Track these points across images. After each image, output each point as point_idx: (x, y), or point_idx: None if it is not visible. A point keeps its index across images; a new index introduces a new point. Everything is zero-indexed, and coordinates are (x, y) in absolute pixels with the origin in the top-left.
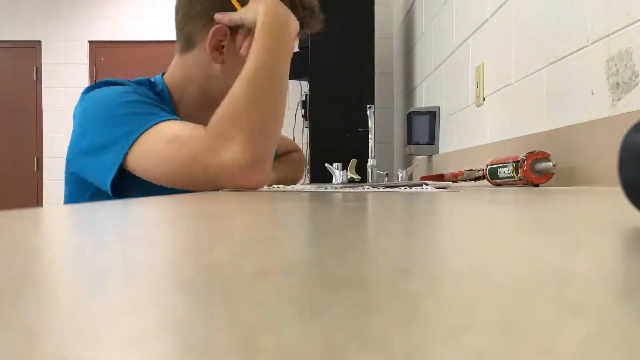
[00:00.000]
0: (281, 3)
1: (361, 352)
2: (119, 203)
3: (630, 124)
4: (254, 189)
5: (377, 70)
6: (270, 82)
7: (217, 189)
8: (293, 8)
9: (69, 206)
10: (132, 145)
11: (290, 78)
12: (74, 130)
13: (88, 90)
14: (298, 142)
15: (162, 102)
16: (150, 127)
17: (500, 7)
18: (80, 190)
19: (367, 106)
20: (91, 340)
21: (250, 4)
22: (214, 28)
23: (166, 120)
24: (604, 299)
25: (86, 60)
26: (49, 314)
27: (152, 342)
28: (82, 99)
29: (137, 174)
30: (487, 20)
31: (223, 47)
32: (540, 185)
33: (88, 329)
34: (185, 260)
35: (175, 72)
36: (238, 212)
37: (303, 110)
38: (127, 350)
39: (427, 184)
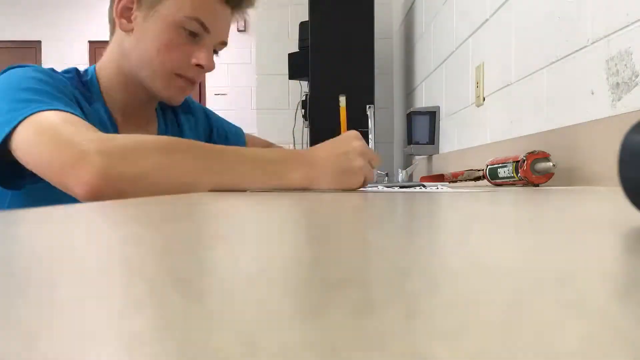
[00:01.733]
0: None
1: (361, 352)
2: (118, 203)
3: (630, 124)
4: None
5: (377, 70)
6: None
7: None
8: None
9: (69, 206)
10: (12, 129)
11: (290, 78)
12: None
13: (5, 70)
14: (298, 142)
15: (88, 90)
16: (31, 114)
17: (500, 7)
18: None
19: (367, 106)
20: (91, 340)
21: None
22: None
23: (54, 110)
24: (604, 299)
25: (86, 60)
26: (49, 314)
27: (152, 342)
28: None
29: (20, 160)
30: (487, 20)
31: (131, 15)
32: (540, 185)
33: (88, 329)
34: (185, 260)
35: (103, 59)
36: (238, 212)
37: (303, 110)
38: (127, 350)
39: (424, 186)
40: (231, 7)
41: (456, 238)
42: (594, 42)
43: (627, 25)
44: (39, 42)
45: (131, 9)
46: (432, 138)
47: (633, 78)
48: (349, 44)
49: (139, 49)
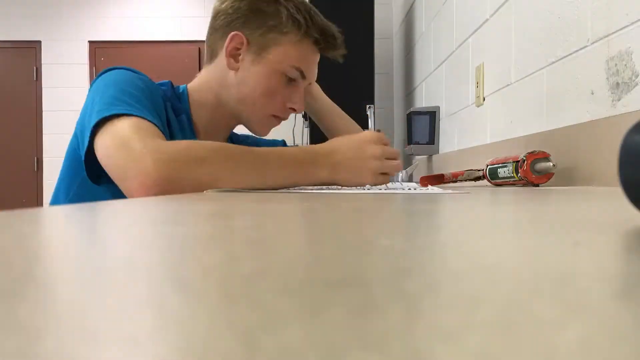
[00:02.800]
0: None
1: (361, 352)
2: (118, 203)
3: (630, 124)
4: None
5: (377, 70)
6: (263, 178)
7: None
8: (316, 42)
9: (69, 206)
10: (103, 122)
11: None
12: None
13: (105, 71)
14: (298, 142)
15: (178, 101)
16: (125, 115)
17: (500, 7)
18: (75, 170)
19: (367, 106)
20: (91, 340)
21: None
22: (232, 34)
23: (136, 116)
24: (604, 299)
25: (86, 60)
26: (49, 314)
27: (152, 342)
28: (97, 77)
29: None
30: (487, 20)
31: (239, 54)
32: (540, 185)
33: (88, 329)
34: (185, 260)
35: (198, 80)
36: (238, 212)
37: (303, 111)
38: (127, 350)
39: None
40: (320, 52)
41: (456, 238)
42: (594, 42)
43: (627, 25)
44: (39, 42)
45: (240, 49)
46: (432, 138)
47: (633, 78)
48: (349, 44)
49: (242, 88)
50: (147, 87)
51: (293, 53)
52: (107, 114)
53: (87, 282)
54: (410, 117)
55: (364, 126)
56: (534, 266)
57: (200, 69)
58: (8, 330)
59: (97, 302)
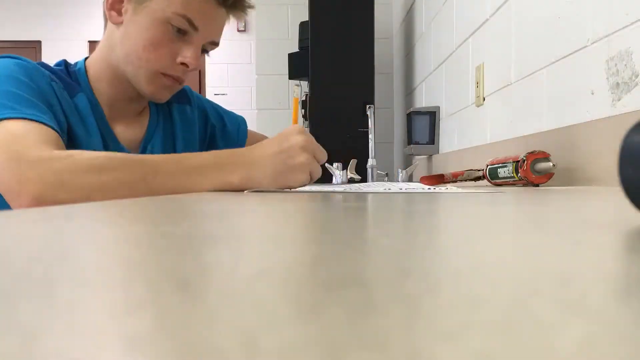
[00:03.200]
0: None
1: (361, 352)
2: (118, 203)
3: (630, 124)
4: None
5: (377, 70)
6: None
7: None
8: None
9: (69, 206)
10: None
11: (290, 78)
12: None
13: None
14: None
15: (74, 81)
16: (4, 119)
17: (500, 7)
18: None
19: (367, 106)
20: (91, 340)
21: None
22: None
23: (18, 118)
24: (604, 299)
25: None
26: (49, 314)
27: (152, 342)
28: None
29: None
30: (487, 20)
31: (122, 7)
32: (540, 185)
33: (88, 329)
34: (185, 260)
35: (94, 52)
36: (238, 212)
37: (303, 110)
38: (127, 350)
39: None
40: (226, 8)
41: (456, 238)
42: (594, 42)
43: (627, 25)
44: (39, 42)
45: (122, 1)
46: (432, 138)
47: (633, 78)
48: (349, 44)
49: (125, 43)
50: (28, 76)
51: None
52: None
53: (87, 282)
54: (410, 117)
55: (364, 126)
56: (534, 266)
57: (200, 69)
58: (8, 330)
59: (97, 302)
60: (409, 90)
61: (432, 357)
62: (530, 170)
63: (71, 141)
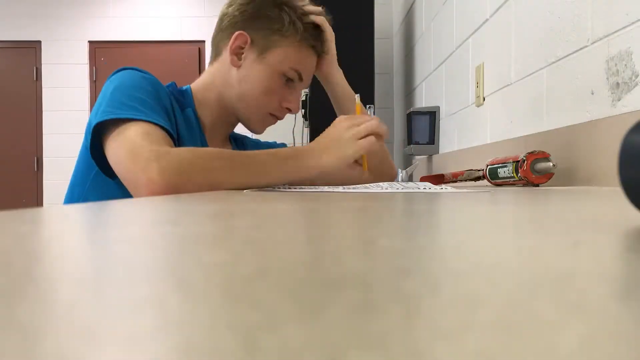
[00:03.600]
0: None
1: (361, 352)
2: (118, 203)
3: (630, 124)
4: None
5: (377, 70)
6: (258, 179)
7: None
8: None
9: (69, 206)
10: (112, 123)
11: None
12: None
13: (115, 72)
14: (298, 142)
15: (183, 97)
16: (134, 120)
17: (500, 7)
18: (87, 165)
19: (367, 106)
20: (91, 340)
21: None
22: (236, 33)
23: (144, 121)
24: (604, 299)
25: (86, 60)
26: (49, 314)
27: (152, 342)
28: (108, 78)
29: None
30: (487, 20)
31: (242, 53)
32: (540, 185)
33: (88, 329)
34: (186, 260)
35: (201, 79)
36: (238, 212)
37: (303, 110)
38: (127, 350)
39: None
40: (317, 56)
41: (456, 238)
42: (594, 42)
43: (627, 25)
44: (39, 42)
45: (243, 48)
46: (432, 138)
47: (633, 78)
48: (349, 44)
49: (243, 86)
50: (153, 87)
51: (293, 56)
52: (112, 116)
53: (87, 282)
54: (410, 117)
55: None
56: (534, 266)
57: (200, 69)
58: (8, 330)
59: (97, 302)
60: (409, 90)
61: (432, 357)
62: (530, 170)
63: (178, 146)
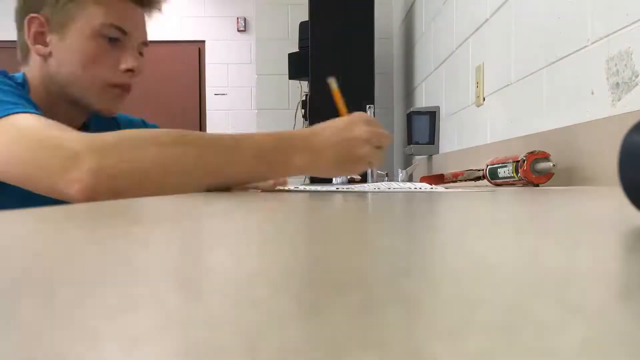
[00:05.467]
0: None
1: (361, 352)
2: (118, 203)
3: (630, 124)
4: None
5: (377, 70)
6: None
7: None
8: None
9: (69, 206)
10: None
11: (290, 78)
12: None
13: None
14: None
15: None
16: (7, 115)
17: (500, 7)
18: None
19: (367, 106)
20: (91, 340)
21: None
22: (26, 19)
23: (29, 113)
24: (604, 299)
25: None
26: (49, 314)
27: (152, 342)
28: None
29: None
30: (487, 20)
31: (45, 37)
32: (540, 185)
33: (88, 328)
34: (185, 260)
35: (28, 77)
36: (238, 212)
37: (303, 110)
38: (127, 350)
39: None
40: (141, 7)
41: (456, 238)
42: (594, 42)
43: (627, 25)
44: None
45: (44, 32)
46: (432, 138)
47: (633, 78)
48: (349, 44)
49: (63, 69)
50: (8, 83)
51: (98, 10)
52: None
53: (87, 282)
54: (410, 117)
55: None
56: (534, 266)
57: (200, 68)
58: (8, 330)
59: (97, 302)
60: (409, 90)
61: (432, 357)
62: (530, 170)
63: None
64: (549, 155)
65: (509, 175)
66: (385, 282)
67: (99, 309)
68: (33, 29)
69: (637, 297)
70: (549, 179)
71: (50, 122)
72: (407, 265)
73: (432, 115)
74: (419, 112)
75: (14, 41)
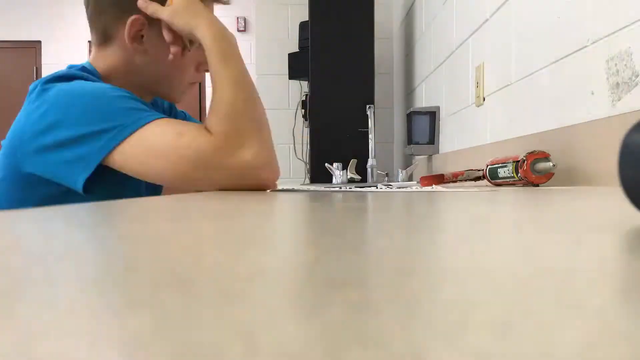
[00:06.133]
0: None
1: (361, 352)
2: (118, 203)
3: (630, 124)
4: (271, 187)
5: (377, 70)
6: (253, 89)
7: (222, 189)
8: None
9: (69, 206)
10: (123, 140)
11: (290, 78)
12: (28, 124)
13: (47, 82)
14: (298, 142)
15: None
16: (147, 123)
17: (500, 7)
18: (30, 190)
19: (367, 106)
20: (91, 340)
21: (183, 14)
22: (130, 19)
23: (161, 118)
24: (604, 299)
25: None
26: (49, 314)
27: (152, 342)
28: (47, 89)
29: (123, 170)
30: (487, 20)
31: (142, 36)
32: (540, 185)
33: (88, 329)
34: (186, 260)
35: (99, 64)
36: (239, 212)
37: (303, 110)
38: (127, 351)
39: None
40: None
41: (456, 238)
42: (594, 42)
43: (627, 25)
44: (39, 42)
45: (141, 30)
46: (432, 138)
47: (633, 78)
48: (349, 44)
49: (154, 67)
50: (118, 88)
51: None
52: (128, 132)
53: (87, 282)
54: (410, 117)
55: (364, 126)
56: (534, 266)
57: None
58: (8, 330)
59: (97, 302)
60: (409, 90)
61: (432, 357)
62: (530, 170)
63: None
64: (549, 155)
65: (509, 175)
66: (385, 282)
67: (99, 309)
68: (134, 29)
69: (637, 297)
70: (549, 179)
71: (173, 122)
72: (407, 265)
73: (432, 115)
74: (419, 112)
75: (14, 41)
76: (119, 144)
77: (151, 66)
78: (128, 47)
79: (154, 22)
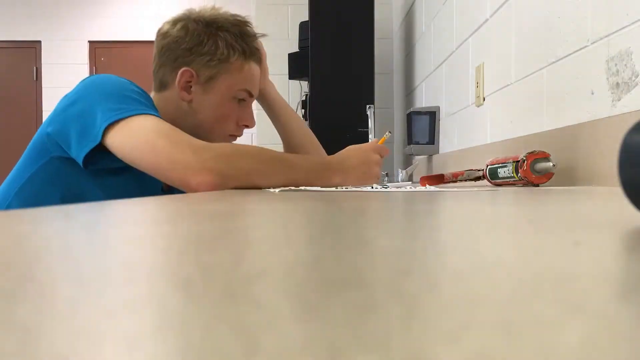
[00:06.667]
0: None
1: (361, 352)
2: (118, 203)
3: (630, 124)
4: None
5: (377, 70)
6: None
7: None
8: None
9: (69, 206)
10: (119, 120)
11: (290, 78)
12: (63, 102)
13: (91, 78)
14: None
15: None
16: (144, 114)
17: (500, 7)
18: (40, 154)
19: (367, 106)
20: (91, 340)
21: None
22: (181, 71)
23: (160, 118)
24: (604, 299)
25: (86, 60)
26: (49, 314)
27: (152, 342)
28: (84, 80)
29: (114, 151)
30: (487, 20)
31: (191, 87)
32: (540, 185)
33: (88, 329)
34: (186, 260)
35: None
36: (239, 212)
37: (303, 110)
38: (127, 350)
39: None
40: (259, 63)
41: (456, 238)
42: (594, 42)
43: (627, 25)
44: (39, 42)
45: (190, 81)
46: (432, 138)
47: (633, 78)
48: (349, 44)
49: (197, 117)
50: (140, 90)
51: (239, 77)
52: (126, 115)
53: (87, 282)
54: (410, 117)
55: (364, 126)
56: (534, 266)
57: None
58: (8, 330)
59: (97, 302)
60: (409, 90)
61: (432, 357)
62: (530, 170)
63: None
64: (549, 155)
65: (509, 175)
66: (385, 282)
67: (99, 309)
68: (184, 80)
69: (637, 297)
70: (549, 179)
71: (175, 128)
72: (407, 265)
73: (432, 115)
74: (419, 112)
75: (14, 41)
76: (114, 123)
77: (194, 116)
78: (177, 95)
79: (203, 77)
